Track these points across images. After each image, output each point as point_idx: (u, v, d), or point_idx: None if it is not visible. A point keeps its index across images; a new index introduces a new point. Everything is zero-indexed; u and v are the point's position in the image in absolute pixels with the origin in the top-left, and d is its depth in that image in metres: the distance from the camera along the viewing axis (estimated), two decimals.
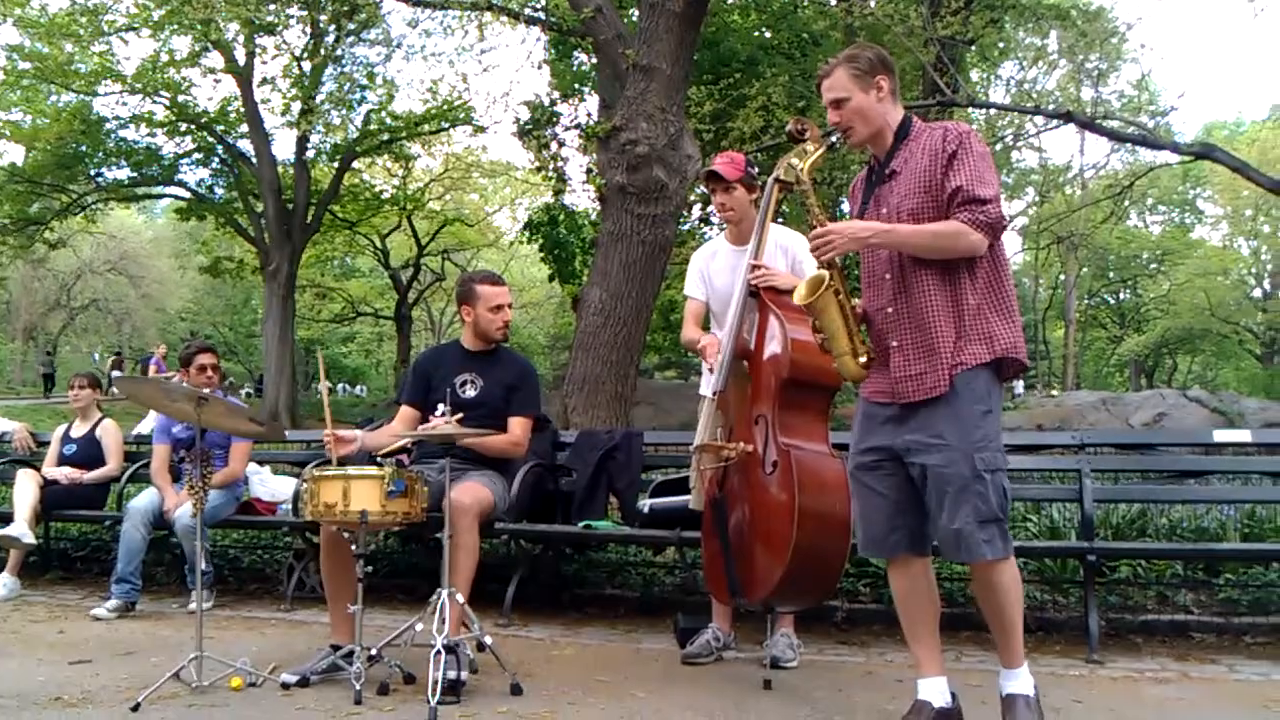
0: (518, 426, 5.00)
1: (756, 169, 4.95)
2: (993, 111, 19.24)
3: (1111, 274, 51.64)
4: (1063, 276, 48.68)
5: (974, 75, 23.54)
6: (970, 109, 17.18)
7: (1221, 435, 5.56)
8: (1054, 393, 40.38)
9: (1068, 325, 48.14)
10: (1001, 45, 22.66)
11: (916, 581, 3.58)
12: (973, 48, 18.69)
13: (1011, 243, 50.10)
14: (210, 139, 28.51)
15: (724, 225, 4.90)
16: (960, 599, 5.49)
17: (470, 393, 4.98)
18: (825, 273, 3.43)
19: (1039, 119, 17.26)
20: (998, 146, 23.18)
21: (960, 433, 3.32)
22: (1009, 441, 6.41)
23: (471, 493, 4.57)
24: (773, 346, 4.10)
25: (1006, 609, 3.43)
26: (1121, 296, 54.01)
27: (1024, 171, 42.26)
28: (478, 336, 5.07)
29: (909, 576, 3.58)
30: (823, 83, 3.60)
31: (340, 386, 57.44)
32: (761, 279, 4.27)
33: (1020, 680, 3.47)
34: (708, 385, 4.54)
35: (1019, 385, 46.07)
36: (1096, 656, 4.69)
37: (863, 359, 3.47)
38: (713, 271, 4.79)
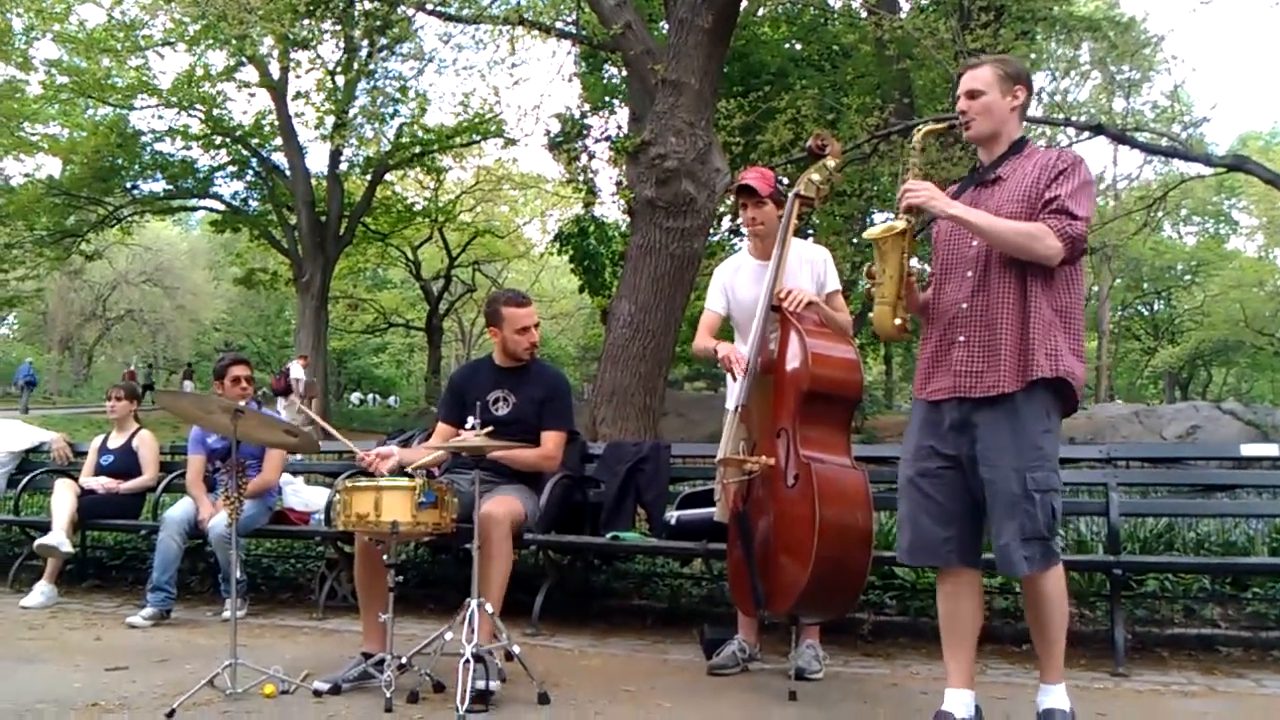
0: (550, 440, 5.00)
1: (786, 181, 4.98)
2: (1025, 123, 19.19)
3: (1145, 285, 51.14)
4: (1096, 288, 48.31)
5: None
6: None
7: (1249, 449, 5.54)
8: (1084, 406, 39.97)
9: (1101, 337, 47.77)
10: (1033, 57, 22.57)
11: (965, 593, 3.62)
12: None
13: None
14: (245, 152, 28.84)
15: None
16: (986, 613, 5.49)
17: (502, 410, 4.98)
18: (903, 222, 3.58)
19: (1070, 130, 17.16)
20: None
21: (1017, 450, 3.41)
22: None
23: (504, 505, 4.60)
24: (794, 360, 4.13)
25: (1049, 620, 3.53)
26: (1155, 308, 53.49)
27: None
28: (507, 355, 5.11)
29: (959, 587, 3.62)
30: (967, 73, 3.73)
31: (371, 397, 57.73)
32: (793, 302, 4.29)
33: (1057, 696, 3.54)
34: (732, 398, 4.58)
35: None
36: (1122, 669, 4.67)
37: (898, 320, 3.60)
38: (736, 285, 4.81)
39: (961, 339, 3.55)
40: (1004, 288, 3.49)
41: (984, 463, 3.45)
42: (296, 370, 24.83)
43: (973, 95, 3.65)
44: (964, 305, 3.57)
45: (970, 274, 3.58)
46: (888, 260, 3.60)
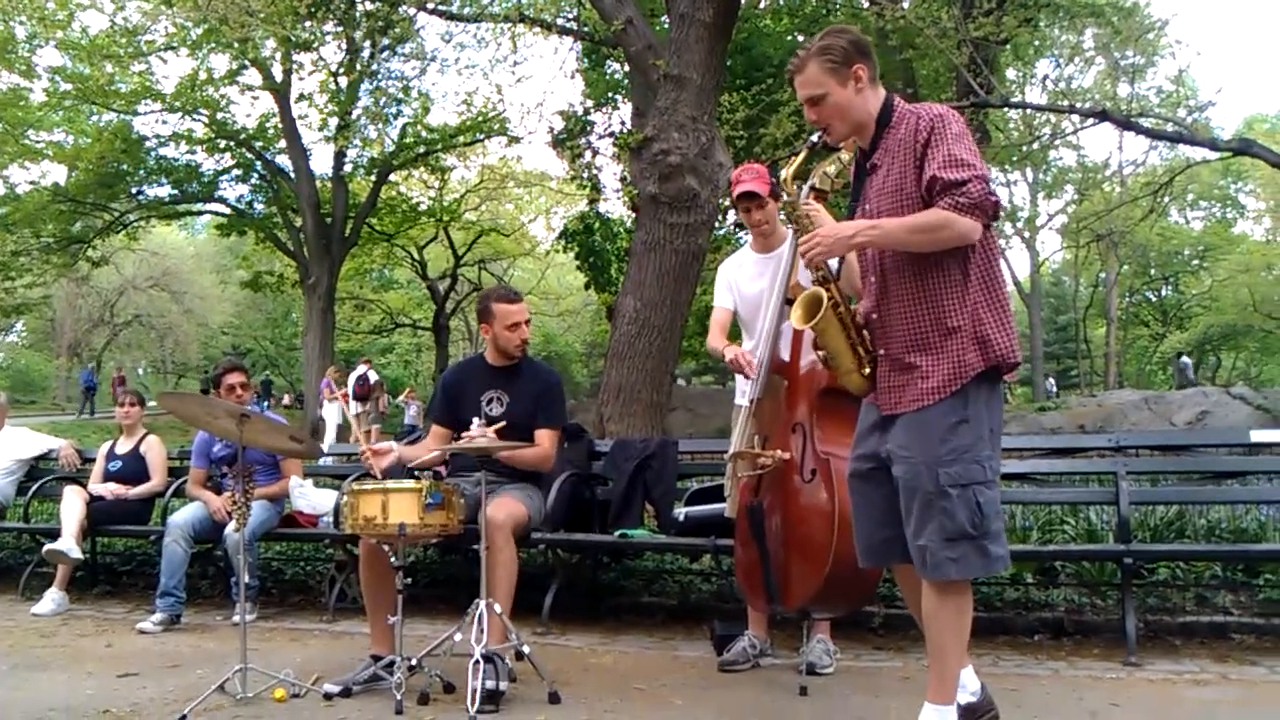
0: (545, 439, 4.97)
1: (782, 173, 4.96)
2: (1029, 110, 19.15)
3: (1152, 271, 51.06)
4: (1103, 274, 48.21)
5: (1010, 74, 23.40)
6: (1006, 109, 17.05)
7: (1259, 435, 5.52)
8: (1093, 393, 39.90)
9: (1109, 323, 47.68)
10: (1036, 44, 22.50)
11: (917, 591, 3.30)
12: (1006, 47, 18.59)
13: (1051, 242, 49.70)
14: (249, 155, 28.81)
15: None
16: (998, 604, 5.49)
17: (496, 410, 4.96)
18: (823, 291, 3.25)
19: (1075, 117, 17.09)
20: (1035, 145, 23.03)
21: (924, 445, 3.12)
22: (1046, 444, 6.44)
23: (505, 508, 4.59)
24: (810, 355, 4.10)
25: (945, 635, 3.19)
26: (1163, 293, 53.39)
27: (1062, 169, 41.95)
28: (499, 353, 5.09)
29: (914, 585, 3.34)
30: (795, 79, 3.35)
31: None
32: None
33: (941, 717, 3.20)
34: (743, 393, 4.57)
35: (1051, 385, 45.67)
36: (1135, 659, 4.67)
37: (867, 370, 3.31)
38: (740, 279, 4.82)
39: (881, 352, 3.29)
40: (903, 289, 3.22)
41: (897, 461, 3.18)
42: (372, 375, 25.23)
43: (814, 101, 3.31)
44: (874, 316, 3.31)
45: (873, 279, 3.32)
46: (829, 334, 3.28)
